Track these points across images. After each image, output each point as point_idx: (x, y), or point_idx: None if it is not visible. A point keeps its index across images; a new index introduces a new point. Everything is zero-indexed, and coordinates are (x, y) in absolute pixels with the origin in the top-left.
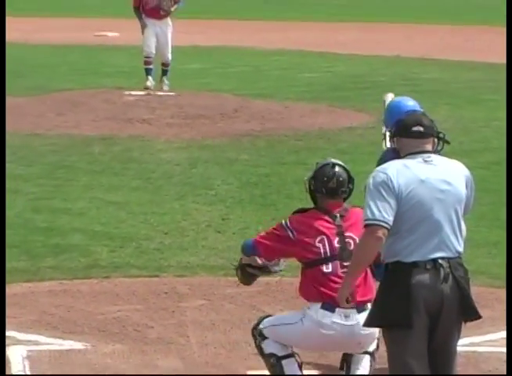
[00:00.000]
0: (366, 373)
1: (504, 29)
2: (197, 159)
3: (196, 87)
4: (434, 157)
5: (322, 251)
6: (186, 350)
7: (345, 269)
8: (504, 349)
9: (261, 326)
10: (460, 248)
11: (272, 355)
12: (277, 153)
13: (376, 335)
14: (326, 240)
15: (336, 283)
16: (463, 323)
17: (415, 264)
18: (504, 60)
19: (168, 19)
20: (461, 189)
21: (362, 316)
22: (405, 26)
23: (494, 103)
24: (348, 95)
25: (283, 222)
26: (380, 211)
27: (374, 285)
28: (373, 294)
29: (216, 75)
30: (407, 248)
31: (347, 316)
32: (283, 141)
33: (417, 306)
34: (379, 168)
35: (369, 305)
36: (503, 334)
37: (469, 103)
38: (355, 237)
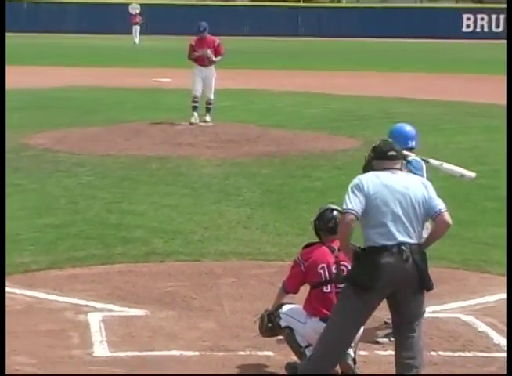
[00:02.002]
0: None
1: (457, 75)
2: (229, 173)
3: (228, 119)
4: (399, 172)
5: (323, 275)
6: (221, 316)
7: (339, 289)
8: (459, 315)
9: (280, 310)
10: (419, 238)
11: (286, 327)
12: (289, 168)
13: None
14: (326, 267)
15: (331, 301)
16: (424, 292)
17: (383, 247)
18: (458, 99)
19: (212, 68)
20: (418, 193)
21: None
22: (384, 74)
23: (451, 130)
24: (342, 126)
25: (297, 257)
26: (351, 203)
27: None
28: None
29: (243, 110)
30: (376, 235)
31: None
32: (293, 160)
33: (381, 278)
34: (357, 176)
35: None
36: (459, 303)
37: (432, 131)
38: (348, 266)
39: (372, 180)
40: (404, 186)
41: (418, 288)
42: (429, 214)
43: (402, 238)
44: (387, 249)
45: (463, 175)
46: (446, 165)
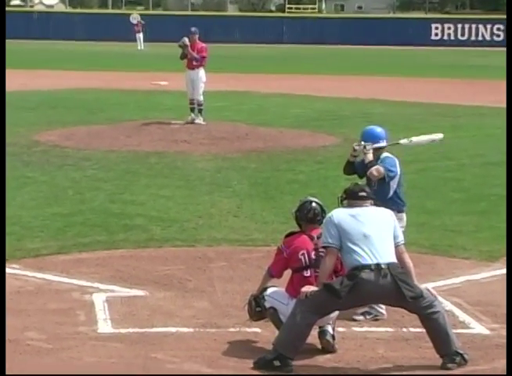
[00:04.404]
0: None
1: (426, 79)
2: (221, 167)
3: (220, 118)
4: (369, 206)
5: (303, 261)
6: (213, 296)
7: (317, 274)
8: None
9: (265, 293)
10: (394, 258)
11: (270, 308)
12: (275, 163)
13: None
14: (306, 253)
15: (312, 284)
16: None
17: (364, 266)
18: (427, 100)
19: (200, 71)
20: (386, 220)
21: None
22: (361, 77)
23: (421, 129)
24: (323, 124)
25: (280, 245)
26: (327, 238)
27: None
28: None
29: (233, 110)
30: (353, 258)
31: None
32: (278, 155)
33: (357, 292)
34: (330, 212)
35: None
36: (427, 285)
37: (404, 129)
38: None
39: (339, 212)
40: (372, 215)
41: (401, 296)
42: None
43: (378, 257)
44: (367, 267)
45: (433, 140)
46: (415, 139)
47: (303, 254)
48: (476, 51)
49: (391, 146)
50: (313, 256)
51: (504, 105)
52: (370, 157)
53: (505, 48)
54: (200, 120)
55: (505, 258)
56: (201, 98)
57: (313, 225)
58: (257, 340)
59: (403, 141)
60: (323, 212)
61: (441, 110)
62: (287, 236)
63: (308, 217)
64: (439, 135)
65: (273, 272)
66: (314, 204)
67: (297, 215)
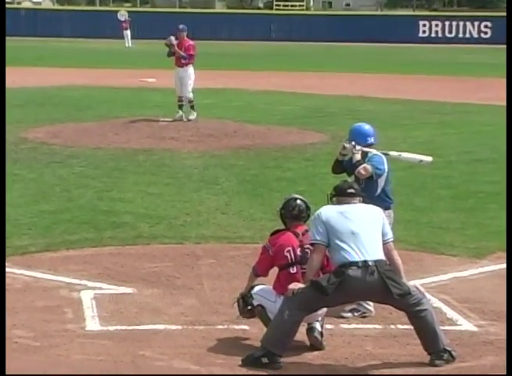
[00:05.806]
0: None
1: (414, 76)
2: (209, 164)
3: (208, 115)
4: (358, 203)
5: (289, 258)
6: (201, 293)
7: (303, 270)
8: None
9: (252, 291)
10: (381, 255)
11: (258, 305)
12: (263, 160)
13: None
14: (291, 250)
15: (298, 280)
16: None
17: (352, 263)
18: (415, 97)
19: (189, 69)
20: (374, 217)
21: None
22: (349, 75)
23: (408, 126)
24: (311, 121)
25: (265, 244)
26: (315, 235)
27: None
28: None
29: (222, 107)
30: (344, 255)
31: None
32: (266, 152)
33: (344, 288)
34: (319, 209)
35: None
36: (415, 282)
37: (392, 126)
38: (311, 248)
39: (328, 209)
40: (360, 212)
41: (388, 294)
42: (382, 238)
43: (365, 254)
44: (354, 264)
45: (421, 161)
46: (405, 154)
47: (288, 251)
48: (463, 48)
49: (382, 153)
50: (299, 253)
51: (492, 102)
52: (358, 156)
53: (492, 46)
54: (193, 115)
55: (493, 254)
56: (191, 95)
57: (298, 222)
58: (246, 337)
59: (393, 153)
60: (308, 209)
61: (429, 107)
62: (272, 234)
63: (293, 214)
64: (429, 158)
65: (258, 272)
66: (299, 201)
67: (282, 212)
